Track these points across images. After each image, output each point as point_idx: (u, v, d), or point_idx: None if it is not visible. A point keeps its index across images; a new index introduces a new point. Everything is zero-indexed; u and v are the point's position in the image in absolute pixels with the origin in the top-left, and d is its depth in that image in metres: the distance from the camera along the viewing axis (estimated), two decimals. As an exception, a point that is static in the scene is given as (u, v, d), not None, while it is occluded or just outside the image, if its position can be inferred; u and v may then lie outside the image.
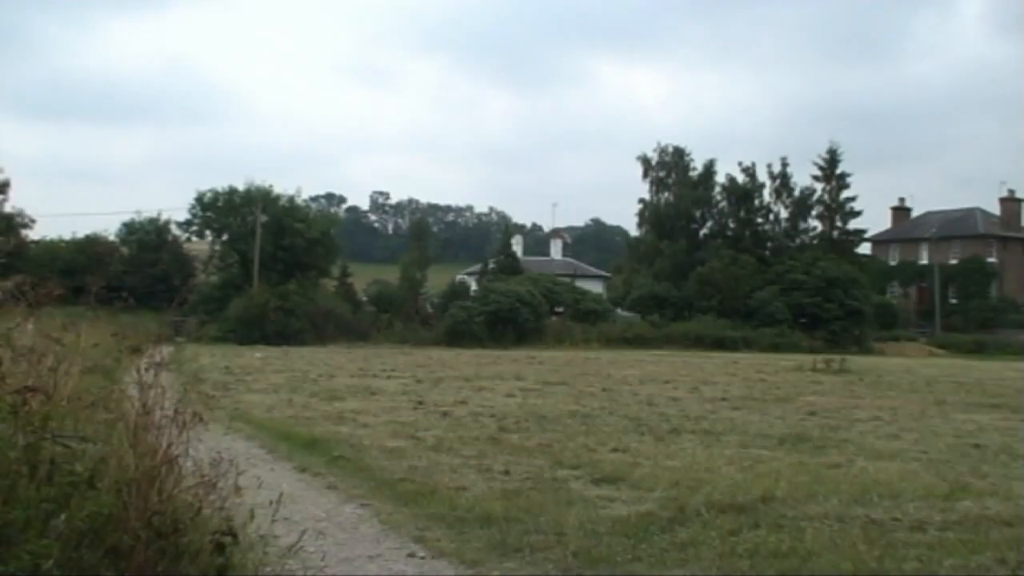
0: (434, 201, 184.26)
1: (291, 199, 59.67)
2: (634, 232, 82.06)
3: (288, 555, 5.68)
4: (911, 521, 7.66)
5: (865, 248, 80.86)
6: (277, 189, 59.20)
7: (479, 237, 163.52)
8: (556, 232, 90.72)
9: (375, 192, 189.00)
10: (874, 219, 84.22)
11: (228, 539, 4.87)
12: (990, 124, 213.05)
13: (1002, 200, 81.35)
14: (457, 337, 50.22)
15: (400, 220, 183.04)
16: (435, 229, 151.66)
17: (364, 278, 73.31)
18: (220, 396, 17.26)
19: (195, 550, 4.71)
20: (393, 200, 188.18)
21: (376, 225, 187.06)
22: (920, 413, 18.08)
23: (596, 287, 70.93)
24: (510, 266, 63.90)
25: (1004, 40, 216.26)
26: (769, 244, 70.30)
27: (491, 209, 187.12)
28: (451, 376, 25.74)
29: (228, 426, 13.28)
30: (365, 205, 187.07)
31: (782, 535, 7.05)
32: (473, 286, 61.73)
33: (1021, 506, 8.38)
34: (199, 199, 58.52)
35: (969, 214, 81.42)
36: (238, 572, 4.89)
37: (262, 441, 12.52)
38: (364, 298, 63.06)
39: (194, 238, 61.56)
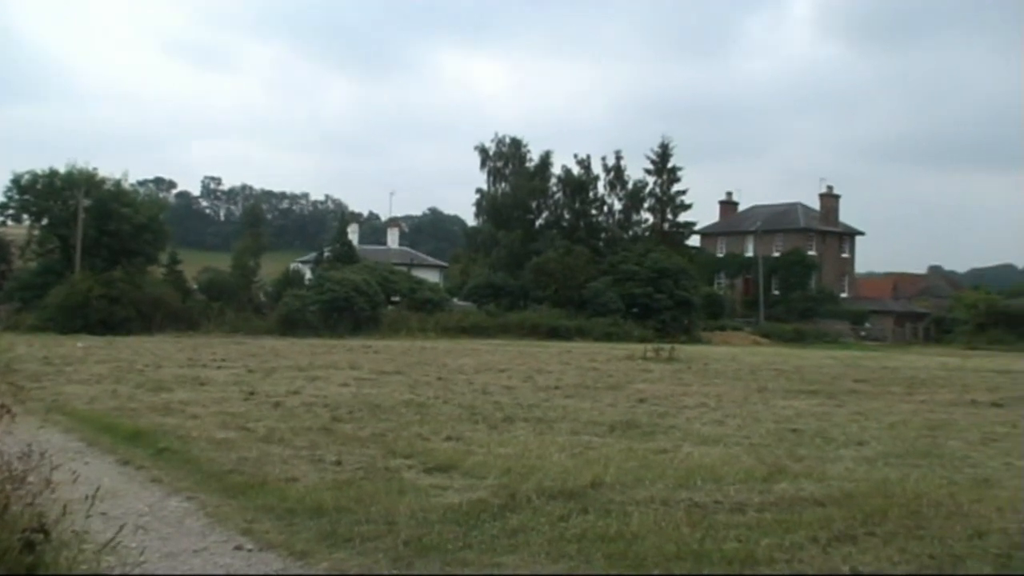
0: (269, 188, 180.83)
1: (117, 183, 57.60)
2: (472, 222, 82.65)
3: (104, 551, 5.46)
4: (732, 503, 7.92)
5: (695, 240, 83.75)
6: (102, 172, 57.15)
7: (315, 225, 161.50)
8: (393, 221, 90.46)
9: (207, 177, 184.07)
10: (703, 212, 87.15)
11: (39, 536, 4.65)
12: (814, 122, 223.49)
13: (822, 196, 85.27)
14: (291, 326, 49.44)
15: (233, 206, 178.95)
16: (270, 216, 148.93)
17: (195, 265, 71.34)
18: (35, 387, 16.48)
19: (2, 549, 4.48)
20: (226, 186, 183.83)
21: (208, 211, 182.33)
22: (743, 400, 18.74)
23: (433, 276, 71.04)
24: (346, 255, 63.27)
25: (829, 42, 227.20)
26: (603, 235, 71.81)
27: (327, 197, 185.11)
28: (284, 366, 25.30)
29: (44, 419, 12.74)
30: (196, 191, 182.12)
31: (610, 519, 7.18)
32: (308, 275, 60.86)
33: (833, 487, 8.79)
34: (16, 181, 55.83)
35: (791, 209, 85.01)
36: (50, 570, 4.67)
37: (82, 434, 12.01)
38: (194, 286, 61.31)
39: (10, 222, 58.68)
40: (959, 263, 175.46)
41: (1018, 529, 7.12)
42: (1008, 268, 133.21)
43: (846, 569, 6.05)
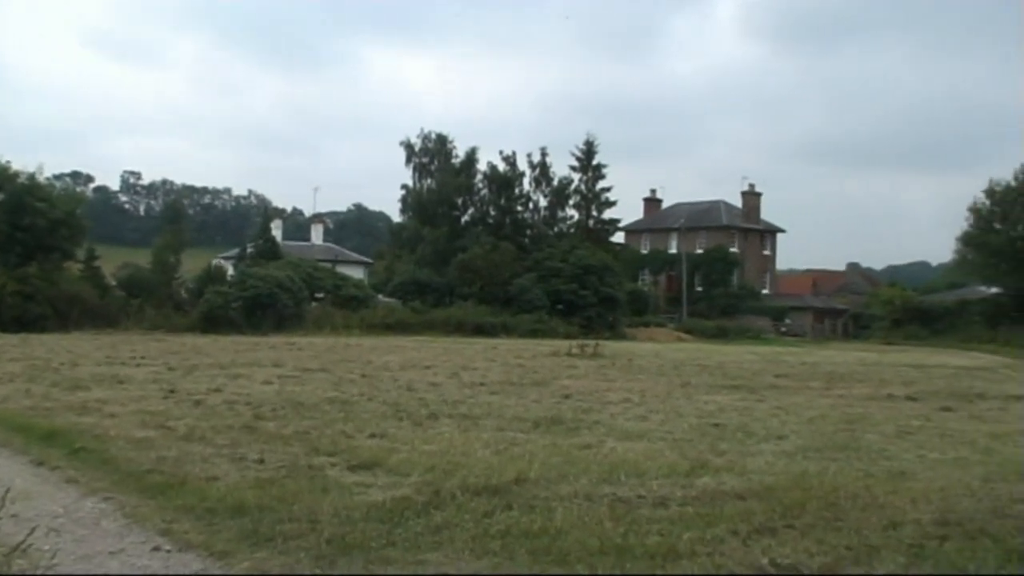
0: (190, 183, 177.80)
1: (31, 177, 55.97)
2: (397, 218, 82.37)
3: (15, 554, 5.33)
4: (655, 498, 7.99)
5: (619, 237, 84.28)
6: (16, 166, 55.61)
7: (238, 221, 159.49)
8: (317, 217, 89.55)
9: (126, 172, 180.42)
10: (628, 209, 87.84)
11: (-55, 540, 4.51)
12: (738, 122, 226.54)
13: (744, 194, 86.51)
14: (213, 323, 48.69)
15: (153, 202, 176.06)
16: (191, 211, 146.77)
17: (114, 261, 69.90)
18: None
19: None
20: (146, 181, 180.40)
21: (127, 206, 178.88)
22: (667, 395, 18.93)
23: (358, 273, 70.52)
24: (269, 251, 62.47)
25: (753, 44, 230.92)
26: (528, 232, 71.84)
27: (250, 192, 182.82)
28: (206, 363, 24.91)
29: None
30: (115, 185, 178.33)
31: (533, 515, 7.20)
32: (231, 271, 60.01)
33: (753, 481, 8.92)
34: (-78, 174, 54.08)
35: (714, 206, 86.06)
36: (-43, 574, 4.54)
37: (-6, 435, 11.70)
38: (113, 282, 60.06)
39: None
40: (876, 260, 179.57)
41: (931, 520, 7.30)
42: (923, 265, 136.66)
43: (765, 561, 6.13)
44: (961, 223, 65.12)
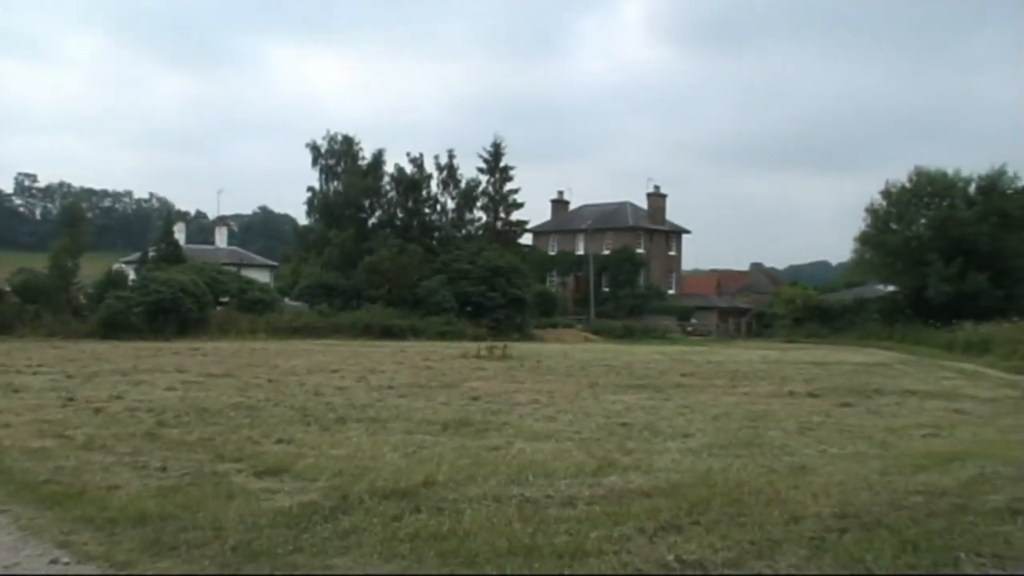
0: (89, 185, 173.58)
1: (-80, 179, 54.36)
2: (303, 221, 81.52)
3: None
4: (562, 498, 8.05)
5: (527, 239, 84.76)
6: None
7: (139, 224, 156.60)
8: (222, 220, 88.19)
9: (21, 174, 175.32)
10: (537, 211, 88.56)
11: None
12: (644, 123, 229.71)
13: (649, 195, 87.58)
14: (114, 329, 47.52)
15: (50, 205, 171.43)
16: (90, 215, 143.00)
17: (8, 266, 67.84)
18: None
19: None
20: (42, 183, 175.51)
21: (22, 209, 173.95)
22: (575, 395, 19.05)
23: (263, 276, 69.64)
24: (172, 254, 61.36)
25: (659, 46, 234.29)
26: (436, 234, 71.81)
27: (152, 195, 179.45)
28: (106, 370, 24.30)
29: None
30: (9, 188, 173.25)
31: (442, 518, 7.21)
32: (132, 276, 58.74)
33: (660, 479, 9.04)
34: None
35: (620, 208, 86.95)
36: None
37: None
38: (7, 288, 58.31)
39: None
40: (778, 260, 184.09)
41: (831, 513, 7.49)
42: (823, 265, 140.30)
43: (671, 557, 6.23)
44: (859, 223, 66.76)
